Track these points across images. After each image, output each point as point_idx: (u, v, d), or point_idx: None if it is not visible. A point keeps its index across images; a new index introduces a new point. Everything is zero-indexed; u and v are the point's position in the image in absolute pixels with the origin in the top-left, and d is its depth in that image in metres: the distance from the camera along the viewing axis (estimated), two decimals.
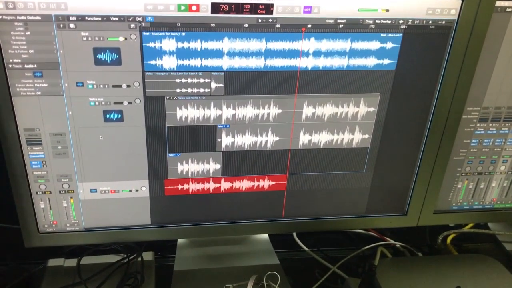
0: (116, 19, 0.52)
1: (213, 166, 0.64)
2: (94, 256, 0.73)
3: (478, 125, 0.65)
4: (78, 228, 0.65)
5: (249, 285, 0.60)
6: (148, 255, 0.75)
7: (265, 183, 0.66)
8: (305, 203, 0.69)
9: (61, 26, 0.52)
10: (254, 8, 0.54)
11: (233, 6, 0.54)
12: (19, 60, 0.53)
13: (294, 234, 0.83)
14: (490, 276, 0.71)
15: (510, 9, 0.57)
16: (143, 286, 0.69)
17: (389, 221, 0.72)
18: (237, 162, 0.64)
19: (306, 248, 0.80)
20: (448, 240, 0.83)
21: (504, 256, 0.81)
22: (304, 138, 0.63)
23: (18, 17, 0.51)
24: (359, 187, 0.68)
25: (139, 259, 0.71)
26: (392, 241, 0.81)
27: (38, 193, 0.62)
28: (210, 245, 0.79)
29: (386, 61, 0.59)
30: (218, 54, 0.56)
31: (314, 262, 0.79)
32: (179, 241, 0.79)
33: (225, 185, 0.66)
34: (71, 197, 0.63)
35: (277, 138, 0.63)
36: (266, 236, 0.81)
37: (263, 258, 0.77)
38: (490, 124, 0.65)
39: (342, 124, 0.63)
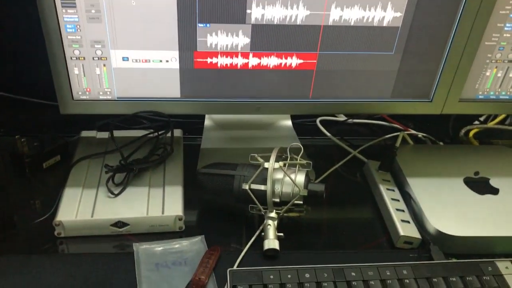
0: None
1: (242, 40, 0.64)
2: (125, 131, 0.76)
3: None
4: (111, 97, 0.68)
5: (272, 154, 0.63)
6: (177, 132, 0.78)
7: (293, 61, 0.67)
8: (332, 85, 0.70)
9: None
10: None
11: None
12: None
13: (318, 121, 0.85)
14: (509, 165, 0.73)
15: None
16: (172, 157, 0.72)
17: (414, 107, 0.72)
18: (266, 37, 0.64)
19: (328, 134, 0.82)
20: (471, 134, 0.84)
21: None
22: (335, 14, 0.63)
23: None
24: (387, 70, 0.68)
25: (168, 135, 0.74)
26: (414, 132, 0.82)
27: (73, 58, 0.63)
28: (236, 128, 0.82)
29: None
30: None
31: (335, 149, 0.81)
32: (206, 122, 0.82)
33: (253, 61, 0.66)
34: (104, 64, 0.65)
35: (308, 12, 0.62)
36: (289, 123, 0.83)
37: (286, 141, 0.79)
38: None
39: (374, 0, 0.62)
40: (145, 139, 0.73)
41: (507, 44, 0.67)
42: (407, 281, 0.54)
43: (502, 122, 0.88)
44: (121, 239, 0.61)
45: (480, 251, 0.60)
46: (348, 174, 0.76)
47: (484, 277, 0.55)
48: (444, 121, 0.86)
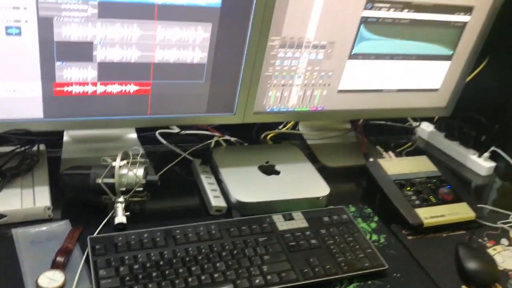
0: None
1: (91, 73, 0.87)
2: None
3: (280, 50, 0.96)
4: None
5: (118, 155, 0.86)
6: (41, 146, 0.97)
7: (132, 88, 0.91)
8: (164, 105, 0.95)
9: None
10: None
11: None
12: None
13: (157, 133, 1.10)
14: (291, 158, 1.05)
15: None
16: (38, 165, 0.91)
17: (222, 119, 1.01)
18: (109, 71, 0.88)
19: (165, 142, 1.08)
20: (268, 137, 1.16)
21: (306, 148, 1.16)
22: (160, 55, 0.89)
23: None
24: (201, 93, 0.96)
25: (34, 148, 0.93)
26: (228, 137, 1.12)
27: None
28: (91, 142, 1.03)
29: (214, 1, 0.86)
30: None
31: (172, 153, 1.07)
32: (65, 138, 1.02)
33: (100, 88, 0.89)
34: None
35: (140, 53, 0.87)
36: (135, 135, 1.06)
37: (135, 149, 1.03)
38: (287, 50, 0.97)
39: (187, 45, 0.89)
40: (15, 152, 0.91)
41: (279, 74, 0.99)
42: (214, 232, 0.81)
43: (293, 127, 1.22)
44: (1, 228, 0.79)
45: (267, 211, 0.90)
46: (181, 170, 1.02)
47: (263, 225, 0.85)
48: (251, 129, 1.17)
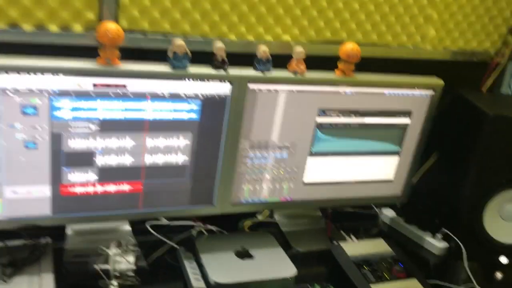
0: (38, 91, 0.94)
1: (92, 176, 1.05)
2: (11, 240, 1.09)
3: (250, 151, 1.15)
4: (1, 218, 1.02)
5: (112, 245, 1.02)
6: (47, 239, 1.13)
7: (126, 187, 1.09)
8: (154, 200, 1.12)
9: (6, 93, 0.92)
10: (116, 85, 0.99)
11: (104, 84, 0.98)
12: None
13: (148, 225, 1.26)
14: (264, 244, 1.20)
15: (257, 90, 1.09)
16: (45, 254, 1.07)
17: (204, 211, 1.18)
18: (107, 174, 1.06)
19: (154, 233, 1.23)
20: (246, 225, 1.32)
21: (280, 234, 1.32)
22: (149, 159, 1.08)
23: None
24: (184, 189, 1.14)
25: (41, 241, 1.09)
26: (210, 226, 1.28)
27: None
28: (91, 234, 1.18)
29: (193, 115, 1.07)
30: (96, 109, 0.99)
31: (161, 242, 1.22)
32: (69, 232, 1.17)
33: (99, 188, 1.07)
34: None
35: (133, 159, 1.06)
36: (129, 227, 1.22)
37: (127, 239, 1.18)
38: (257, 150, 1.16)
39: (172, 150, 1.09)
40: (25, 245, 1.07)
41: (251, 170, 1.18)
42: None
43: (270, 216, 1.38)
44: None
45: None
46: (168, 256, 1.17)
47: None
48: (231, 218, 1.33)
